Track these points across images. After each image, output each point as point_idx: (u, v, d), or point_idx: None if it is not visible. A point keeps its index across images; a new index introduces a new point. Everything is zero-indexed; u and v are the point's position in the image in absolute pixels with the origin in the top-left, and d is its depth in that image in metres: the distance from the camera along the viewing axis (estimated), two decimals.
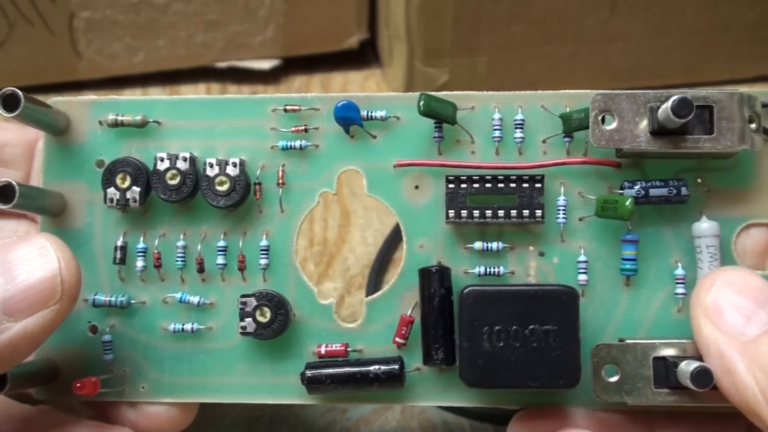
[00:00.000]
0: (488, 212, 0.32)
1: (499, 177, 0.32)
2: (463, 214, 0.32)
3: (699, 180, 0.32)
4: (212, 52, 0.57)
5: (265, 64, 0.58)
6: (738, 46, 0.55)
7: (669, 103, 0.28)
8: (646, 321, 0.32)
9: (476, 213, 0.32)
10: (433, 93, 0.32)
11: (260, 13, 0.55)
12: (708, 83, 0.57)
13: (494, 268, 0.32)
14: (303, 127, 0.33)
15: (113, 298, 0.33)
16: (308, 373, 0.32)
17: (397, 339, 0.32)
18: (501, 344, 0.30)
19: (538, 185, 0.32)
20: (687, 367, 0.28)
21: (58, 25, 0.54)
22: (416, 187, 0.33)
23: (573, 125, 0.32)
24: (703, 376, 0.28)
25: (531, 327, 0.30)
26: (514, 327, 0.30)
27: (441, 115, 0.32)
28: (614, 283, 0.32)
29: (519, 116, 0.32)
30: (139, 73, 0.57)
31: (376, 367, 0.31)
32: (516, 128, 0.32)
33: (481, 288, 0.30)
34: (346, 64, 0.60)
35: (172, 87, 0.59)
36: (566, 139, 0.32)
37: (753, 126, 0.30)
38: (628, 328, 0.32)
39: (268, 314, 0.32)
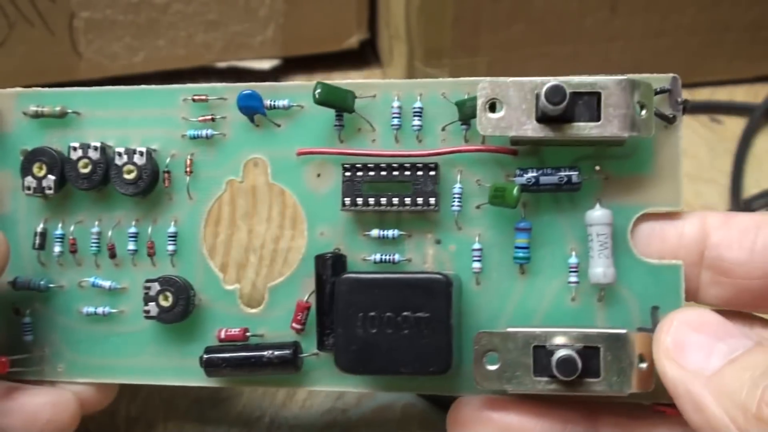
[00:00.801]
0: (383, 200, 0.32)
1: (395, 165, 0.32)
2: (358, 202, 0.32)
3: (597, 167, 0.31)
4: (212, 52, 0.57)
5: (265, 64, 0.58)
6: (738, 46, 0.54)
7: (543, 90, 0.28)
8: (541, 310, 0.32)
9: (371, 201, 0.32)
10: (330, 82, 0.32)
11: (260, 13, 0.56)
12: (708, 83, 0.56)
13: (390, 255, 0.32)
14: (210, 117, 0.34)
15: (33, 282, 0.35)
16: (205, 356, 0.33)
17: (294, 324, 0.33)
18: (374, 331, 0.30)
19: (432, 173, 0.32)
20: (557, 355, 0.28)
21: (58, 25, 0.54)
22: (318, 175, 0.33)
23: (467, 113, 0.31)
24: (567, 364, 0.28)
25: (404, 314, 0.30)
26: (388, 314, 0.30)
27: (337, 104, 0.32)
28: (509, 272, 0.32)
29: (417, 104, 0.32)
30: (139, 73, 0.57)
31: (270, 351, 0.32)
32: (414, 116, 0.32)
33: (355, 275, 0.30)
34: (346, 64, 0.61)
35: None
36: (464, 126, 0.32)
37: (644, 113, 0.30)
38: (522, 317, 0.32)
39: (171, 299, 0.33)
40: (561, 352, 0.28)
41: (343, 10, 0.57)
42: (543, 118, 0.29)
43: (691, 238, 0.31)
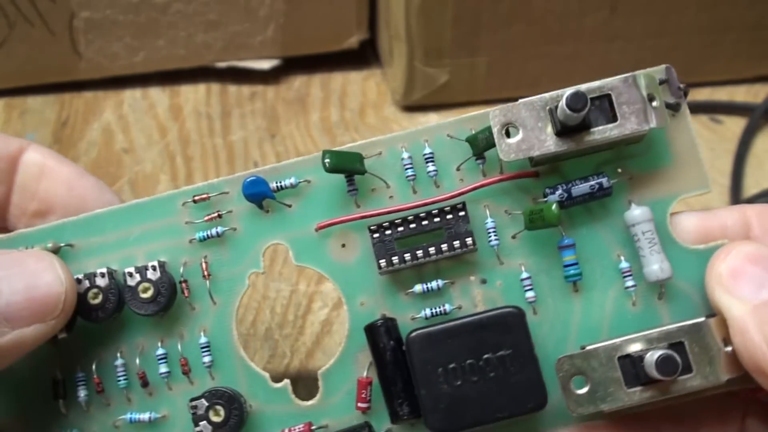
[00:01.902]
0: (419, 252, 0.31)
1: (421, 215, 0.31)
2: (394, 261, 0.31)
3: (619, 170, 0.31)
4: (212, 52, 0.57)
5: (265, 64, 0.59)
6: (738, 46, 0.56)
7: (563, 101, 0.28)
8: (605, 322, 0.31)
9: (407, 256, 0.31)
10: (336, 149, 0.31)
11: (260, 13, 0.56)
12: (708, 83, 0.58)
13: (439, 307, 0.31)
14: (216, 214, 0.32)
15: None
16: None
17: (359, 404, 0.31)
18: (459, 382, 0.28)
19: (461, 213, 0.31)
20: (651, 358, 0.27)
21: (58, 25, 0.54)
22: (343, 245, 0.32)
23: (481, 146, 0.31)
24: (668, 362, 0.27)
25: (485, 357, 0.28)
26: (468, 361, 0.28)
27: (348, 168, 0.31)
28: (563, 293, 0.31)
29: (427, 150, 0.32)
30: (139, 73, 0.58)
31: None
32: (427, 162, 0.32)
33: (425, 330, 0.29)
34: (346, 64, 0.61)
35: (172, 87, 0.59)
36: (479, 161, 0.32)
37: (655, 104, 0.30)
38: (589, 335, 0.31)
39: (222, 412, 0.30)
40: (655, 354, 0.27)
41: (343, 10, 0.58)
42: (562, 131, 0.29)
43: (734, 231, 0.31)
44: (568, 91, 0.28)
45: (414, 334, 0.29)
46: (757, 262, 0.28)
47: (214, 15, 0.55)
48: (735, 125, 0.56)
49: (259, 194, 0.32)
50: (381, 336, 0.30)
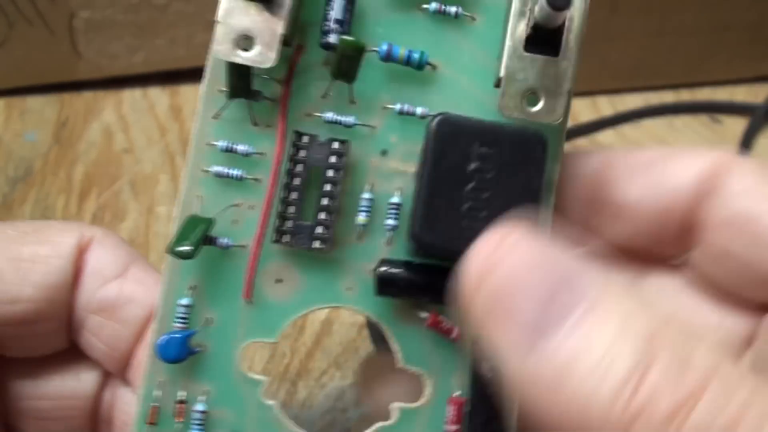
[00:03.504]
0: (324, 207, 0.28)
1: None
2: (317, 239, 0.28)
3: None
4: None
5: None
6: (738, 46, 0.56)
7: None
8: None
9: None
10: None
11: None
12: (708, 83, 0.58)
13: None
14: None
15: None
16: None
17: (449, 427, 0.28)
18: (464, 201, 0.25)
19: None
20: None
21: (58, 25, 0.54)
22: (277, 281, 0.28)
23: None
24: None
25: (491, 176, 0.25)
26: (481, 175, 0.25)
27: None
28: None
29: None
30: (139, 73, 0.58)
31: None
32: None
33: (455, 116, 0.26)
34: None
35: (172, 87, 0.59)
36: None
37: None
38: None
39: None
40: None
41: None
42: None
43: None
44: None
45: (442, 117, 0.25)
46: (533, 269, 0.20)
47: (214, 15, 0.55)
48: (735, 125, 0.56)
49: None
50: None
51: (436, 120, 0.25)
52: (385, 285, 0.27)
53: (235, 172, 0.27)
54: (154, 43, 0.56)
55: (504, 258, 0.20)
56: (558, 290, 0.19)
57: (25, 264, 0.28)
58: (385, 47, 0.27)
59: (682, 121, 0.57)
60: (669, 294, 0.29)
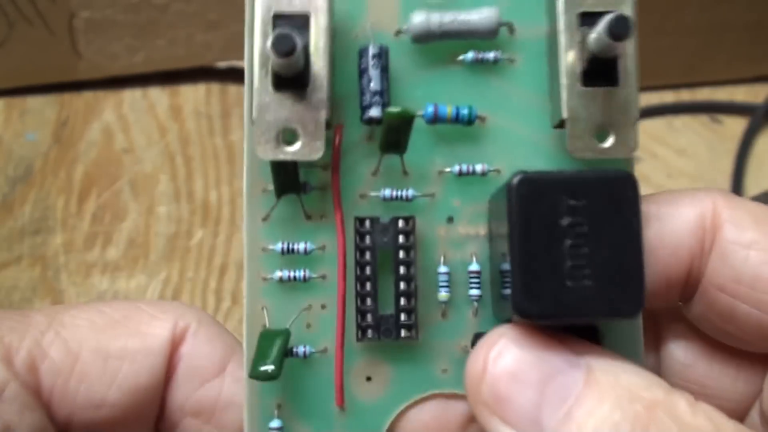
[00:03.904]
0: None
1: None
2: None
3: None
4: (212, 52, 0.57)
5: None
6: (738, 46, 0.56)
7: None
8: None
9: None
10: None
11: None
12: (708, 83, 0.58)
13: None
14: None
15: None
16: None
17: None
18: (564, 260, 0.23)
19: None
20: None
21: (58, 25, 0.54)
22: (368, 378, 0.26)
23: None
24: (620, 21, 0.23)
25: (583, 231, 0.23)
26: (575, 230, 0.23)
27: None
28: None
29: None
30: (139, 73, 0.58)
31: None
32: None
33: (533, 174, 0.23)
34: None
35: (172, 87, 0.59)
36: None
37: None
38: None
39: None
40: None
41: None
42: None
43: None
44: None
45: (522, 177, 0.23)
46: (520, 377, 0.22)
47: (214, 15, 0.55)
48: (735, 125, 0.56)
49: None
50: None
51: (516, 180, 0.23)
52: None
53: (298, 273, 0.25)
54: (154, 43, 0.56)
55: (496, 361, 0.22)
56: (547, 386, 0.21)
57: (112, 362, 0.25)
58: (431, 109, 0.25)
59: (682, 121, 0.57)
60: (680, 357, 0.28)
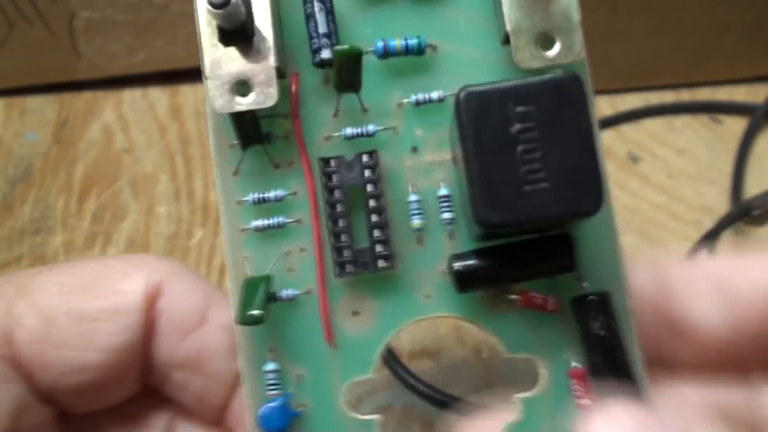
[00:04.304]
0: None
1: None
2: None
3: None
4: None
5: None
6: (738, 46, 0.56)
7: None
8: None
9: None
10: None
11: None
12: (708, 83, 0.58)
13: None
14: None
15: None
16: None
17: (581, 401, 0.26)
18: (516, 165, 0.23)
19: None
20: None
21: (58, 25, 0.54)
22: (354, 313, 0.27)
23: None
24: None
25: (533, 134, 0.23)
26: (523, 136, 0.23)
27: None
28: None
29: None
30: (139, 73, 0.58)
31: None
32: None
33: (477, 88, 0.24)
34: None
35: (172, 87, 0.59)
36: None
37: None
38: None
39: None
40: None
41: None
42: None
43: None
44: None
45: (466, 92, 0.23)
46: None
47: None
48: (735, 125, 0.56)
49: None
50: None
51: (462, 96, 0.23)
52: (465, 281, 0.26)
53: (274, 220, 0.26)
54: (154, 43, 0.56)
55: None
56: None
57: (88, 324, 0.25)
58: (380, 44, 0.26)
59: (681, 121, 0.57)
60: None
